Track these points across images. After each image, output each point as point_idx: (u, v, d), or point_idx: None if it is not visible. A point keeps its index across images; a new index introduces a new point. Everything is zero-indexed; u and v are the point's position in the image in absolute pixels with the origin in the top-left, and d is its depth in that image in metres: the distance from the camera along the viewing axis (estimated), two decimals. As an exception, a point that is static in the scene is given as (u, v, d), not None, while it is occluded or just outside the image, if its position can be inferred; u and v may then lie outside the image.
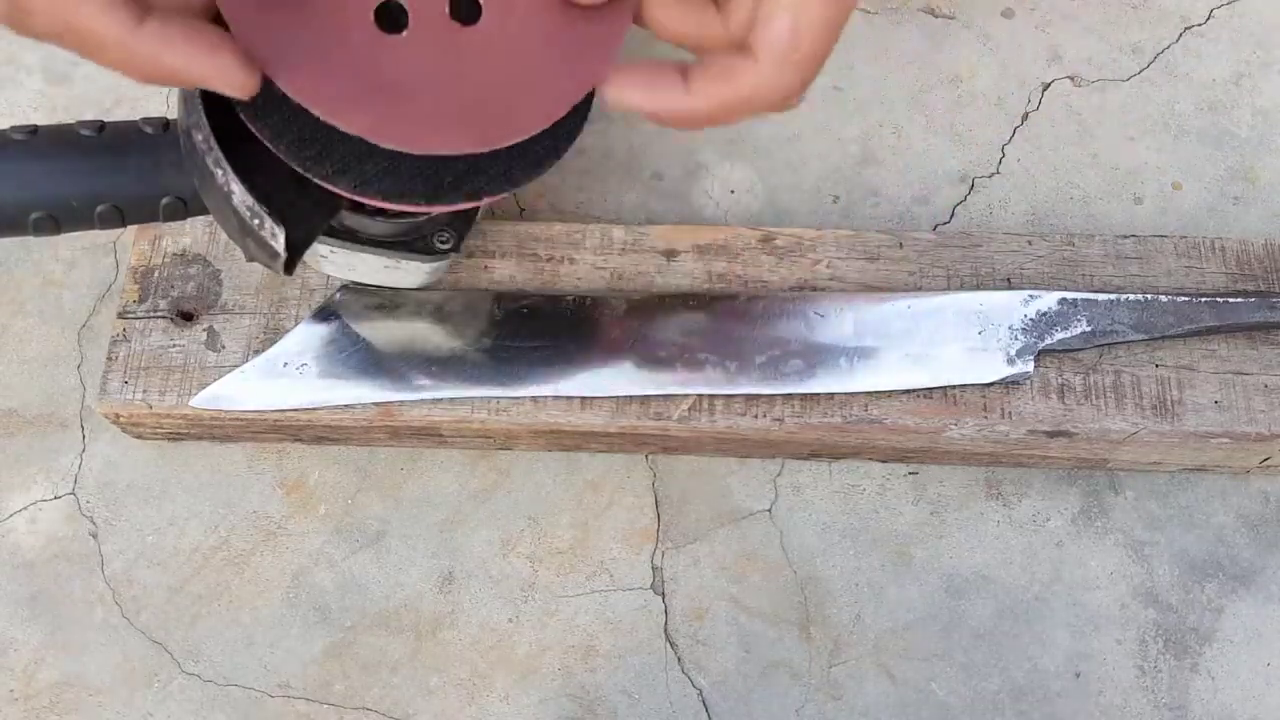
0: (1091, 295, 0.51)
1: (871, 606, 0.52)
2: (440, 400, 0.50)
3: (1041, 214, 0.60)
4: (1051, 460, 0.53)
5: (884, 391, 0.51)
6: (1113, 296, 0.51)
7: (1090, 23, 0.65)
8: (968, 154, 0.61)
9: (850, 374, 0.51)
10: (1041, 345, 0.51)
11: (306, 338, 0.51)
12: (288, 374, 0.51)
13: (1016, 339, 0.51)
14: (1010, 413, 0.51)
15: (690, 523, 0.53)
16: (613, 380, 0.50)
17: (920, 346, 0.51)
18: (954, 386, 0.51)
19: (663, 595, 0.52)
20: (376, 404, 0.50)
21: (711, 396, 0.51)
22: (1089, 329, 0.51)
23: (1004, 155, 0.61)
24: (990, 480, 0.54)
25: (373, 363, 0.51)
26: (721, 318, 0.52)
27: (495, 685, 0.50)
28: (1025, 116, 0.62)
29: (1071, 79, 0.63)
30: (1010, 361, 0.51)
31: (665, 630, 0.51)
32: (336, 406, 0.51)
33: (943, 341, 0.51)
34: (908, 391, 0.51)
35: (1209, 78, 0.63)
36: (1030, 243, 0.54)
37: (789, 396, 0.51)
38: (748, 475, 0.54)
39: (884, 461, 0.54)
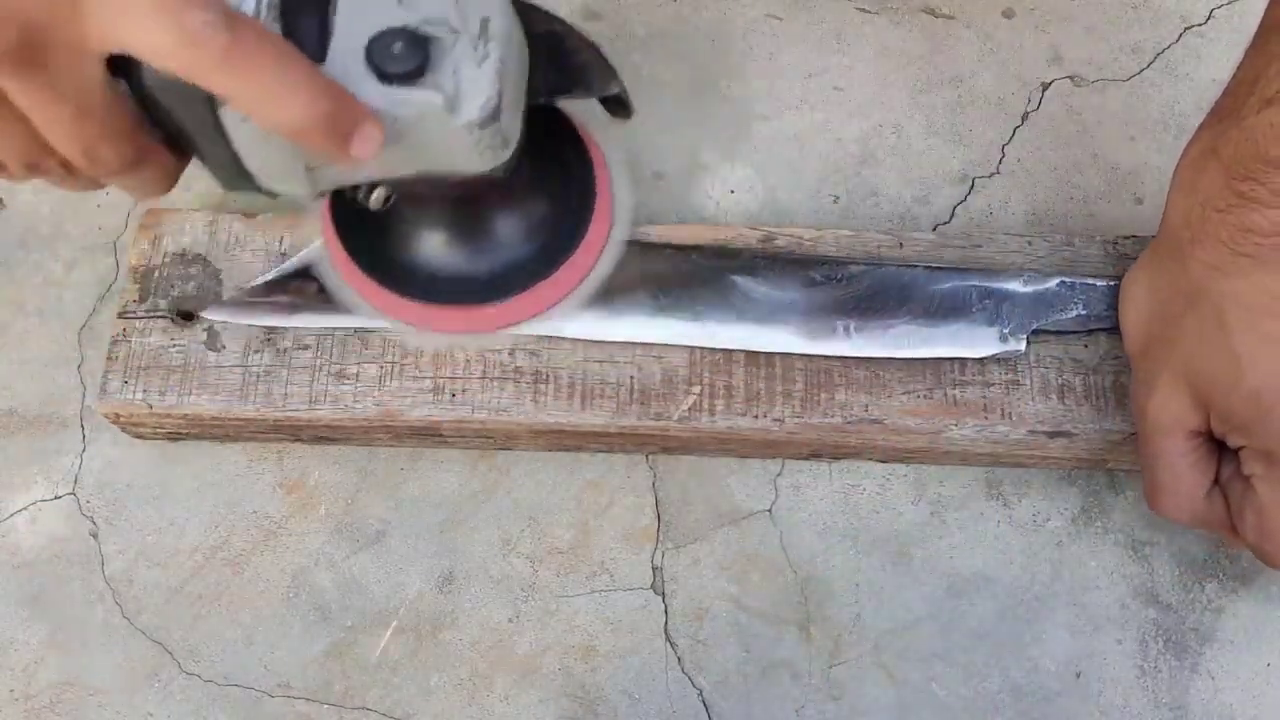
0: (1090, 280, 0.52)
1: (871, 606, 0.52)
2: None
3: (1041, 214, 0.60)
4: (1051, 460, 0.53)
5: (884, 391, 0.51)
6: (1111, 282, 0.52)
7: (1090, 23, 0.65)
8: (968, 154, 0.61)
9: (846, 340, 0.51)
10: (1035, 325, 0.51)
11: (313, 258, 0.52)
12: (295, 290, 0.52)
13: (1012, 317, 0.51)
14: (1010, 413, 0.51)
15: (690, 523, 0.53)
16: (610, 326, 0.51)
17: (916, 317, 0.51)
18: (946, 359, 0.51)
19: (663, 595, 0.52)
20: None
21: (711, 392, 0.51)
22: (1084, 312, 0.51)
23: (1004, 155, 0.61)
24: (990, 480, 0.54)
25: None
26: (723, 274, 0.52)
27: (495, 685, 0.50)
28: (1025, 116, 0.62)
29: (1071, 79, 0.63)
30: (1003, 339, 0.51)
31: (665, 630, 0.51)
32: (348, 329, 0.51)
33: (938, 314, 0.52)
34: (908, 391, 0.51)
35: (1209, 78, 0.63)
36: (1030, 243, 0.54)
37: (789, 396, 0.51)
38: (748, 475, 0.54)
39: (884, 462, 0.54)
